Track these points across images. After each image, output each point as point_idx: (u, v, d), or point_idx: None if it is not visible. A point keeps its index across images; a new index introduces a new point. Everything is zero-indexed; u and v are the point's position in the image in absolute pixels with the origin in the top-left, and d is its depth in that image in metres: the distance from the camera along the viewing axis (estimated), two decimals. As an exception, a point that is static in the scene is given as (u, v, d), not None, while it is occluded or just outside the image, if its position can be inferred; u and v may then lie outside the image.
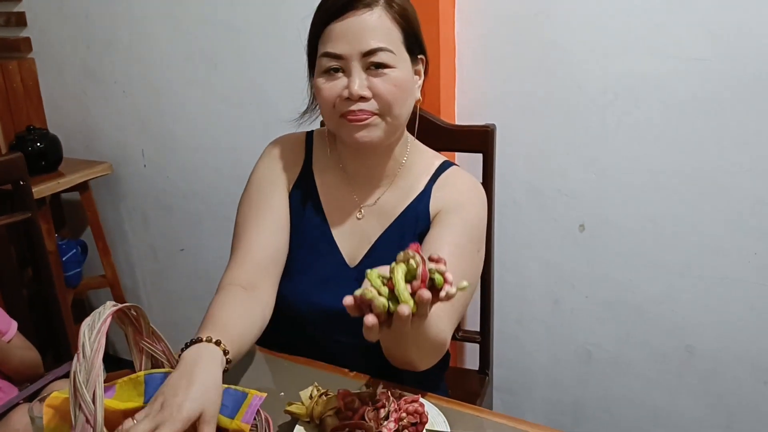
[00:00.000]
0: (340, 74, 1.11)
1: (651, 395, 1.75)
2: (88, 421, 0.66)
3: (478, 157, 1.57)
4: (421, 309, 0.80)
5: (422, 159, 1.26)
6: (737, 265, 1.55)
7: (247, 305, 1.12)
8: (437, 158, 1.27)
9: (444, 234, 1.16)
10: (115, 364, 2.41)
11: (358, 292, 0.80)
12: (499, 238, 1.70)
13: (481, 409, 1.07)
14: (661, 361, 1.71)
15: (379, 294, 0.79)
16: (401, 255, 0.82)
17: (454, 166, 1.26)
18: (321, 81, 1.12)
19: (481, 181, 1.59)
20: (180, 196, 2.37)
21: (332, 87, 1.11)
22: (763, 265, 1.52)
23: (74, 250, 2.45)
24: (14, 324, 1.45)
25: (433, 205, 1.21)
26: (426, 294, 0.79)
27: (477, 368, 1.72)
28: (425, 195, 1.22)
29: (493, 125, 1.57)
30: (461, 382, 1.71)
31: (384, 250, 1.21)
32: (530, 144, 1.70)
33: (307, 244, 1.24)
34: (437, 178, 1.23)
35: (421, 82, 1.19)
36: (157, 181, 2.40)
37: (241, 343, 1.04)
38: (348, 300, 0.81)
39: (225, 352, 0.95)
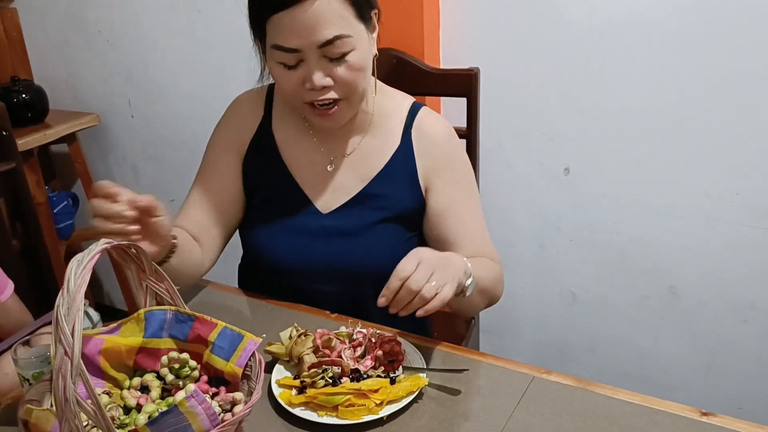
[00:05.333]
0: (297, 63, 1.07)
1: (635, 336, 1.78)
2: (66, 353, 0.67)
3: (463, 101, 1.57)
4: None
5: (391, 101, 1.25)
6: (719, 205, 1.55)
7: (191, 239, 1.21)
8: (405, 99, 1.27)
9: (451, 196, 1.21)
10: (111, 315, 2.44)
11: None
12: (485, 182, 1.71)
13: (458, 347, 1.09)
14: (645, 302, 1.73)
15: None
16: None
17: (423, 108, 1.25)
18: (277, 72, 1.09)
19: (465, 125, 1.59)
20: (168, 146, 2.36)
21: (290, 78, 1.08)
22: (744, 205, 1.53)
23: (65, 202, 2.45)
24: (10, 284, 1.41)
25: (420, 163, 1.22)
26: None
27: (463, 312, 1.75)
28: (407, 147, 1.22)
29: (477, 68, 1.55)
30: (448, 325, 1.74)
31: (370, 202, 1.21)
32: (515, 86, 1.68)
33: (275, 199, 1.25)
34: (412, 125, 1.22)
35: (375, 34, 1.15)
36: (145, 131, 2.39)
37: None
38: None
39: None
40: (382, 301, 0.93)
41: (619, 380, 1.83)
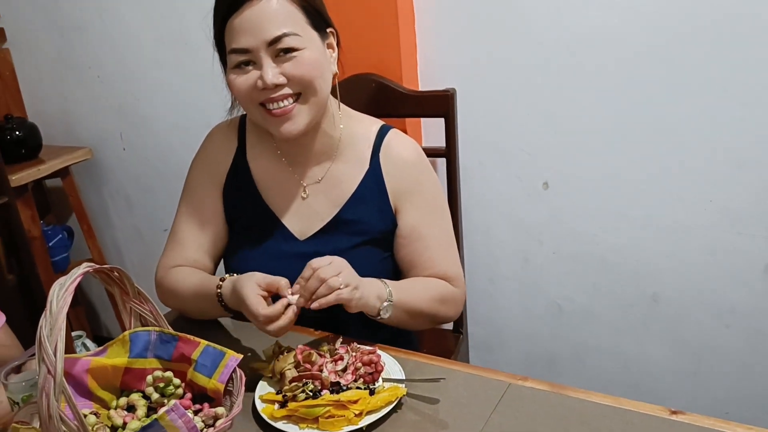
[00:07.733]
0: (251, 67, 1.12)
1: (620, 344, 1.81)
2: (49, 371, 0.70)
3: (442, 121, 1.61)
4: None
5: (359, 126, 1.28)
6: (695, 212, 1.59)
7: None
8: (374, 123, 1.30)
9: (418, 220, 1.25)
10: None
11: None
12: (466, 199, 1.75)
13: (437, 357, 1.12)
14: (628, 310, 1.76)
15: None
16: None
17: (392, 131, 1.28)
18: (233, 76, 1.14)
19: (445, 144, 1.64)
20: (160, 177, 2.41)
21: (245, 80, 1.12)
22: (718, 211, 1.56)
23: (60, 236, 2.49)
24: (2, 317, 1.42)
25: (390, 186, 1.25)
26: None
27: (452, 328, 1.78)
28: (375, 170, 1.25)
29: (453, 89, 1.60)
30: (438, 341, 1.77)
31: (344, 227, 1.25)
32: (492, 105, 1.72)
33: (254, 227, 1.29)
34: (380, 148, 1.26)
35: (335, 55, 1.20)
36: (137, 163, 2.44)
37: None
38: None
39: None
40: (296, 289, 1.04)
41: (607, 389, 1.84)
